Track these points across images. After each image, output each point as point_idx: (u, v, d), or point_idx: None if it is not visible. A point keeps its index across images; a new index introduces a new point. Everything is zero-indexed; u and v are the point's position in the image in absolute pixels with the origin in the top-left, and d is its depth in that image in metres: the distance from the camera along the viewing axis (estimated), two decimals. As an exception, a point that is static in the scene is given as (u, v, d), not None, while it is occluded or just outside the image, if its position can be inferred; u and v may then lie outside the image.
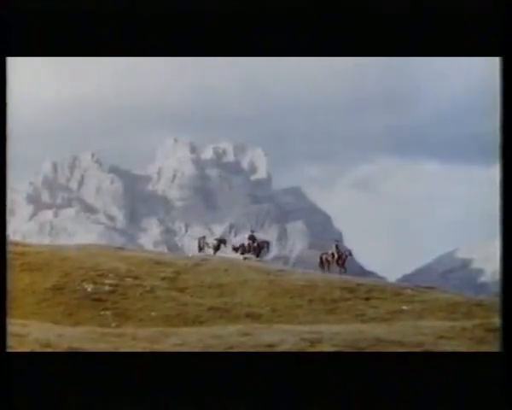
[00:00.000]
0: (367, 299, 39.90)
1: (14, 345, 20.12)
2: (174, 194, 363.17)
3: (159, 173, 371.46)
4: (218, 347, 23.36)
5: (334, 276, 47.95)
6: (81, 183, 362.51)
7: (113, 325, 34.54)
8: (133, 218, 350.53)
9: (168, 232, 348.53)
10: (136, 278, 40.78)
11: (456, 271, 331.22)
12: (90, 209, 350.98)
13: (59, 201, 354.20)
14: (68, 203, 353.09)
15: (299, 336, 24.87)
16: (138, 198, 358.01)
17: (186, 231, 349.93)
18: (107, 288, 38.91)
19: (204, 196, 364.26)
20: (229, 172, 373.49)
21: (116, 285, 39.25)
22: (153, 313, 36.59)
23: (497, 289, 20.59)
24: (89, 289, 38.62)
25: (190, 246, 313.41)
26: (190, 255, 56.47)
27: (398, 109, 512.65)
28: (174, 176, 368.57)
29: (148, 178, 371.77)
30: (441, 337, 25.23)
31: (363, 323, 34.18)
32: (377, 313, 37.58)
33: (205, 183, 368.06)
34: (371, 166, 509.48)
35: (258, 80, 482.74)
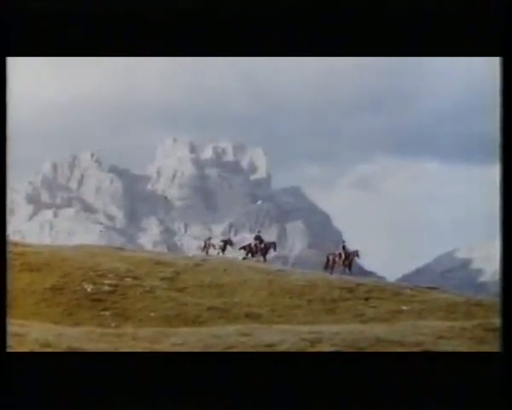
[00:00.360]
0: (367, 299, 39.89)
1: (13, 345, 20.12)
2: (174, 194, 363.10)
3: (158, 173, 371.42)
4: (217, 347, 23.36)
5: (334, 276, 47.94)
6: (81, 183, 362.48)
7: (113, 325, 34.54)
8: (133, 218, 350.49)
9: (168, 232, 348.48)
10: (135, 278, 40.78)
11: (456, 271, 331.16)
12: (89, 209, 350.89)
13: (58, 201, 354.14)
14: (68, 203, 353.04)
15: (299, 336, 24.88)
16: (138, 198, 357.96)
17: (186, 231, 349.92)
18: (106, 288, 38.91)
19: (204, 195, 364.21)
20: (229, 172, 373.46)
21: (116, 285, 39.25)
22: (152, 313, 36.58)
23: (497, 289, 20.59)
24: (88, 290, 38.61)
25: (190, 246, 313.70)
26: (191, 255, 56.49)
27: (399, 109, 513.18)
28: (174, 176, 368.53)
29: (147, 178, 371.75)
30: (441, 337, 25.23)
31: (363, 323, 34.17)
32: (377, 313, 37.57)
33: (204, 182, 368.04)
34: (371, 165, 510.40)
35: (258, 80, 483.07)
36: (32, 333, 23.22)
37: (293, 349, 23.25)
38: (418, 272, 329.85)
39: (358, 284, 42.12)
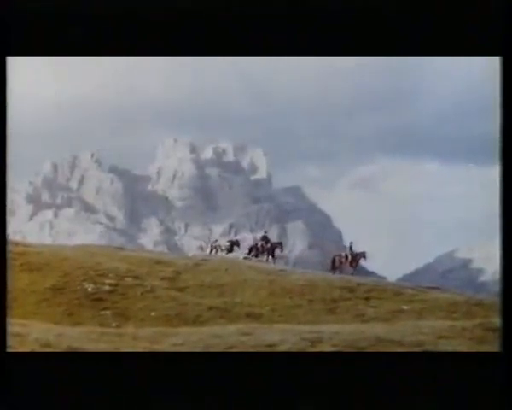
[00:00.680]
0: (367, 299, 39.89)
1: (14, 345, 20.12)
2: (174, 194, 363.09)
3: (158, 173, 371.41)
4: (218, 347, 23.35)
5: (334, 276, 47.96)
6: (81, 183, 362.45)
7: (114, 324, 34.54)
8: (133, 218, 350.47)
9: (168, 232, 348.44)
10: (136, 277, 40.78)
11: (457, 271, 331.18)
12: (89, 209, 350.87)
13: (59, 201, 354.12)
14: (68, 203, 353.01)
15: (300, 335, 24.86)
16: (138, 198, 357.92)
17: (186, 231, 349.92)
18: (107, 288, 38.90)
19: (204, 195, 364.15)
20: (229, 172, 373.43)
21: (116, 285, 39.25)
22: (153, 313, 36.58)
23: (497, 288, 20.59)
24: (89, 289, 38.61)
25: (190, 246, 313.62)
26: (191, 255, 56.52)
27: (399, 109, 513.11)
28: (174, 176, 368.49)
29: (147, 178, 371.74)
30: (441, 337, 25.20)
31: (364, 323, 34.17)
32: (377, 313, 37.56)
33: (205, 183, 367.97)
34: (371, 166, 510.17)
35: (259, 80, 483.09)
36: (32, 333, 23.21)
37: (293, 349, 23.24)
38: (418, 271, 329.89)
39: (359, 284, 42.12)
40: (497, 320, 22.32)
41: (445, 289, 45.69)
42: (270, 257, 57.00)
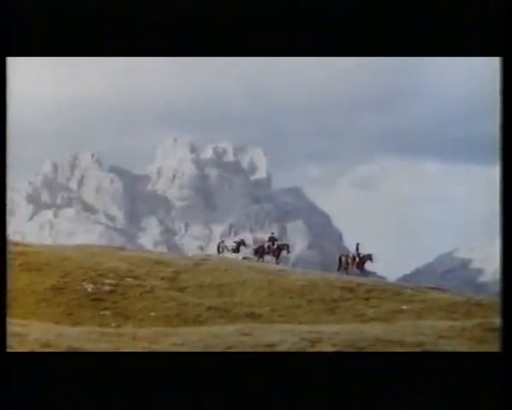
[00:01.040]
0: (367, 299, 39.91)
1: (14, 345, 20.12)
2: (174, 194, 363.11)
3: (158, 173, 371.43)
4: (217, 347, 23.34)
5: (334, 276, 47.95)
6: (81, 183, 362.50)
7: (113, 324, 34.54)
8: (133, 218, 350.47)
9: (168, 232, 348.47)
10: (135, 277, 40.79)
11: (456, 271, 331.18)
12: (89, 209, 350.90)
13: (59, 201, 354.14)
14: (68, 203, 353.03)
15: (299, 335, 24.86)
16: (138, 198, 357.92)
17: (186, 231, 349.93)
18: (107, 288, 38.91)
19: (204, 195, 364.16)
20: (229, 172, 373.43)
21: (116, 285, 39.26)
22: (152, 313, 36.59)
23: (497, 288, 20.59)
24: (89, 289, 38.62)
25: (190, 246, 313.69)
26: (190, 255, 56.59)
27: (399, 109, 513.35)
28: (174, 176, 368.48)
29: (147, 178, 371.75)
30: (441, 337, 25.20)
31: (363, 323, 34.16)
32: (377, 313, 37.57)
33: (205, 183, 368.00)
34: (371, 166, 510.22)
35: (258, 80, 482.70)
36: (32, 333, 23.22)
37: (293, 349, 23.23)
38: (418, 272, 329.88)
39: (359, 284, 42.14)
40: (496, 320, 22.33)
41: (444, 290, 45.71)
42: (274, 258, 57.04)
